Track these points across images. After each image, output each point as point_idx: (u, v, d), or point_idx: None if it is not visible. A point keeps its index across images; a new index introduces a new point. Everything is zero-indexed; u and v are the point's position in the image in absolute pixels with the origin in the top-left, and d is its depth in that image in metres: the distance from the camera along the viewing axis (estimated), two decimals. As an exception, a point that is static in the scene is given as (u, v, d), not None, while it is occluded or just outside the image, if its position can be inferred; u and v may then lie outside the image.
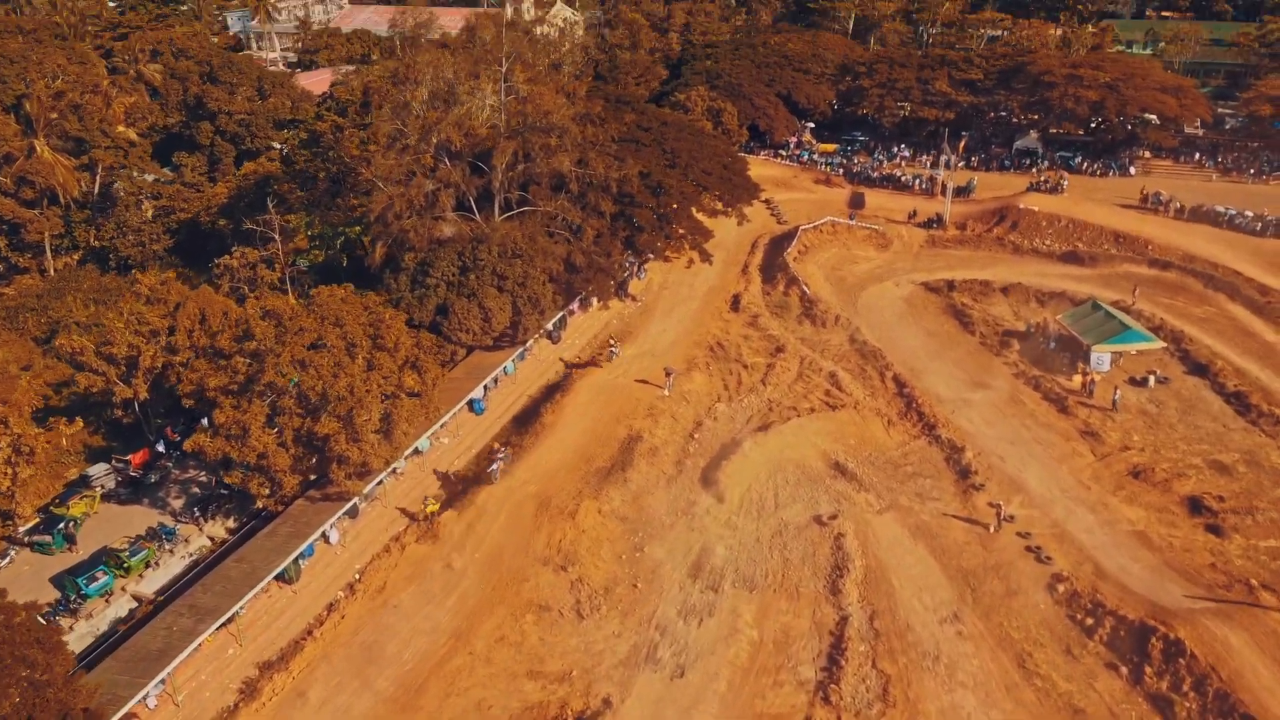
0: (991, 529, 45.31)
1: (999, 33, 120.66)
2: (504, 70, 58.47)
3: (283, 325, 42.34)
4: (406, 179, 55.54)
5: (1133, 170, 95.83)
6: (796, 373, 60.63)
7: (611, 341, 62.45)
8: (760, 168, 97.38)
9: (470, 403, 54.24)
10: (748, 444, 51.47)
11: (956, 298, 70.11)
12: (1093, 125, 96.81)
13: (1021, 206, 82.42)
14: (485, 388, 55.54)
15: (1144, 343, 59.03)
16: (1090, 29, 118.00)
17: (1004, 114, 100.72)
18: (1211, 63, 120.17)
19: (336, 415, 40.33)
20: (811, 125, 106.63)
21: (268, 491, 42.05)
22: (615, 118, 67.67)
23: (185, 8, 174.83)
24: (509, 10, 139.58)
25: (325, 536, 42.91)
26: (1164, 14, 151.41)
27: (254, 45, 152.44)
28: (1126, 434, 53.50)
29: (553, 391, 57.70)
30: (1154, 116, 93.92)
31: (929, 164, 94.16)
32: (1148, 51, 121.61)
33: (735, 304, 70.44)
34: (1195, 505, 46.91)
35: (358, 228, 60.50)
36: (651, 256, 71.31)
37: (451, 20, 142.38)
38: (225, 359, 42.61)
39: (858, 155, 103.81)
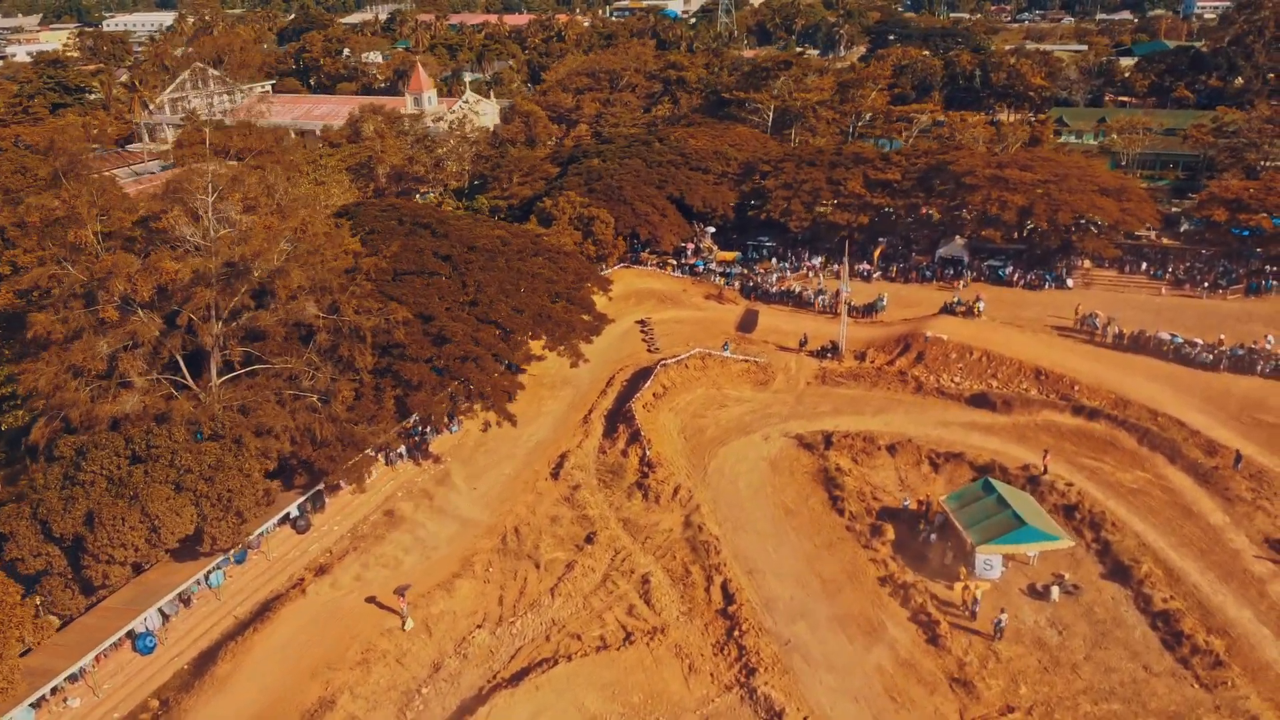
0: None
1: (930, 122, 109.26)
2: (210, 200, 45.60)
3: None
4: (71, 338, 42.43)
5: (1070, 282, 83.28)
6: (601, 576, 46.91)
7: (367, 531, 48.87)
8: (643, 280, 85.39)
9: (133, 638, 40.25)
10: (485, 711, 37.28)
11: (832, 459, 56.53)
12: (1024, 232, 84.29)
13: (929, 335, 69.42)
14: (164, 614, 41.59)
15: (1045, 542, 45.21)
16: (1028, 118, 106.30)
17: (926, 217, 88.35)
18: (1168, 154, 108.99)
19: None
20: (712, 230, 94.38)
21: None
22: (408, 244, 54.99)
23: (94, 96, 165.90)
24: (409, 102, 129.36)
25: None
26: (1121, 99, 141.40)
27: (145, 137, 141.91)
28: (1012, 683, 39.50)
29: (264, 612, 43.69)
30: (1094, 223, 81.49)
31: (833, 275, 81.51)
32: (1097, 142, 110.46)
33: (558, 468, 56.80)
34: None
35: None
36: (472, 405, 58.21)
37: (331, 110, 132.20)
38: None
39: (760, 265, 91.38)
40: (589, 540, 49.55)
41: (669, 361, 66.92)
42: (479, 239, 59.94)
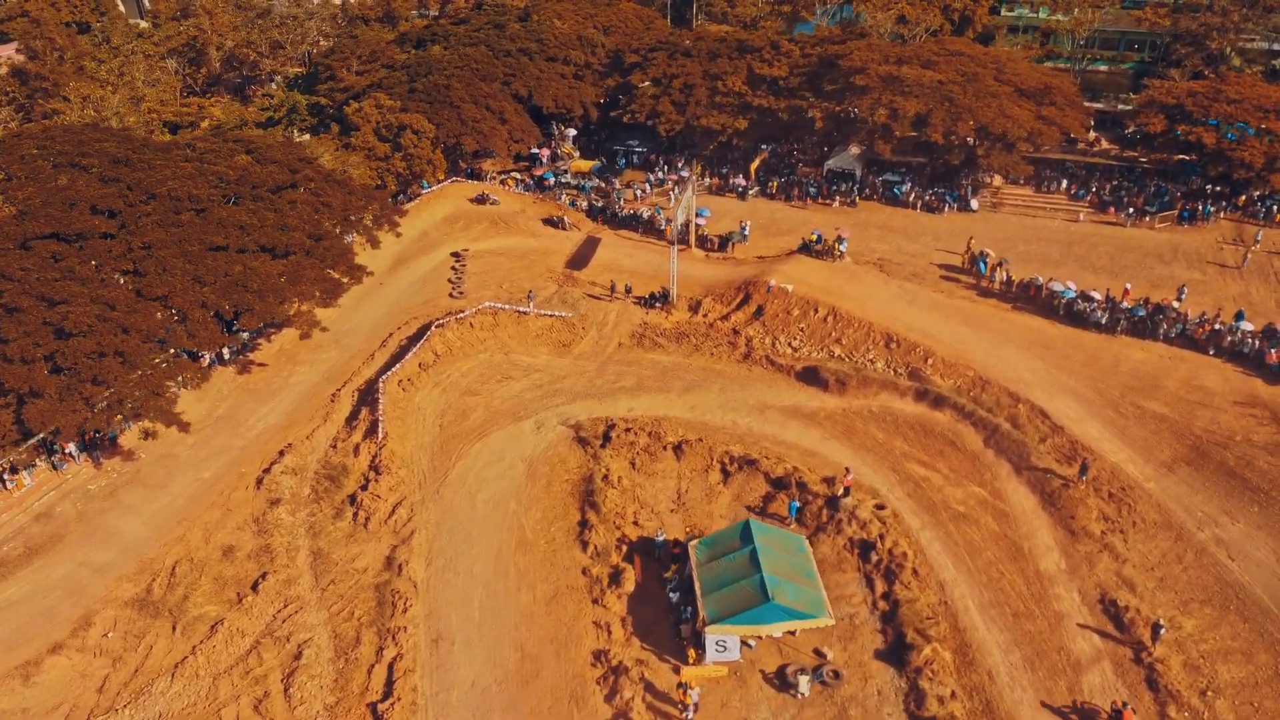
0: None
1: (840, 2, 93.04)
2: None
3: None
4: None
5: (974, 204, 70.34)
6: (251, 643, 37.05)
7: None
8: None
9: None
10: None
11: (603, 462, 45.78)
12: (923, 141, 70.70)
13: (772, 284, 57.35)
14: None
15: (794, 622, 34.74)
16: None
17: (813, 123, 74.50)
18: (1133, 32, 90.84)
19: None
20: (574, 132, 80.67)
21: None
22: (51, 195, 42.54)
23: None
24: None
25: None
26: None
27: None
28: (703, 837, 29.74)
29: None
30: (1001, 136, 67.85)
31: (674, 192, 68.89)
32: (1043, 19, 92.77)
33: (269, 471, 46.17)
34: None
35: None
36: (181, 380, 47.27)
37: None
38: None
39: (621, 177, 78.22)
40: (255, 585, 39.37)
41: (445, 321, 55.19)
42: (170, 181, 47.12)
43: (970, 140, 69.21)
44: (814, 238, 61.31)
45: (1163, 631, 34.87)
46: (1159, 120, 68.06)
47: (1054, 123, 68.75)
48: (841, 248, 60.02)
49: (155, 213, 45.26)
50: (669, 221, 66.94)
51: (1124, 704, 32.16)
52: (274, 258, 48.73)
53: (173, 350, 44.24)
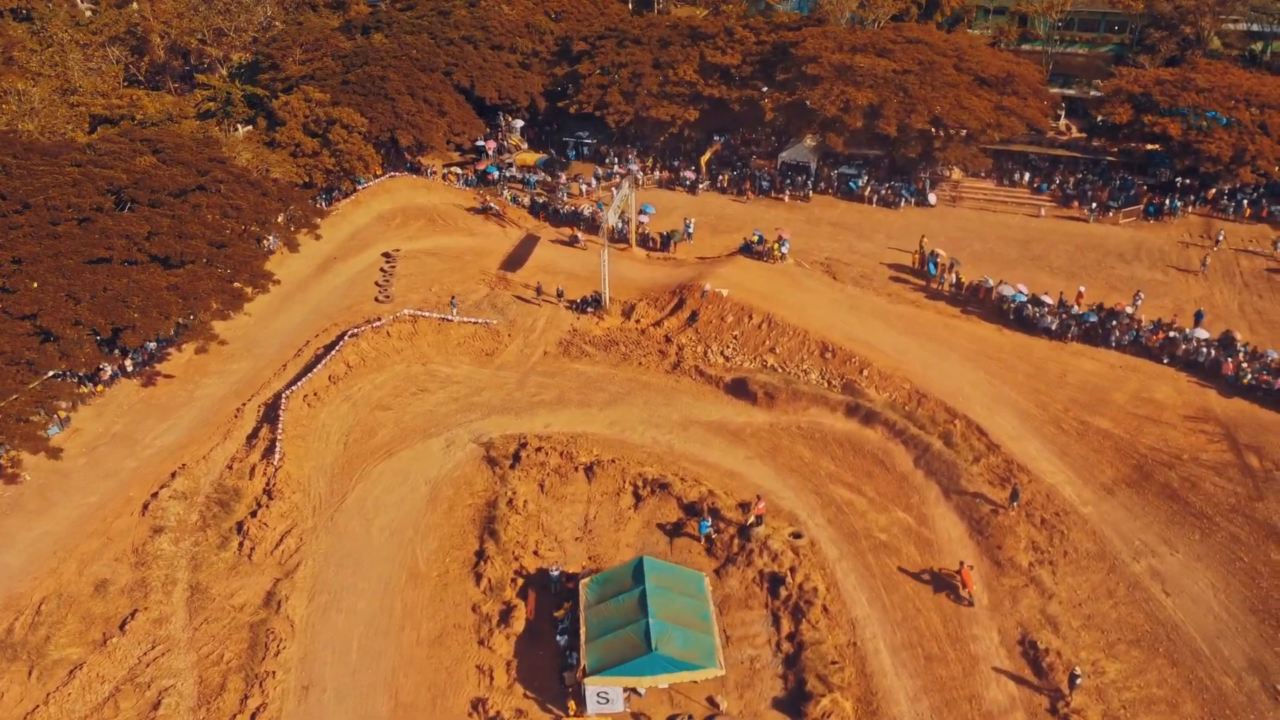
0: None
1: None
2: None
3: None
4: None
5: (932, 198, 67.40)
6: (111, 689, 34.71)
7: None
8: (416, 194, 69.75)
9: None
10: None
11: (510, 485, 43.18)
12: (880, 134, 67.54)
13: (707, 289, 54.53)
14: None
15: (680, 673, 32.17)
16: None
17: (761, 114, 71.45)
18: (1113, 14, 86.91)
19: None
20: (522, 123, 77.66)
21: None
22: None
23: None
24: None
25: None
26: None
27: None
28: None
29: None
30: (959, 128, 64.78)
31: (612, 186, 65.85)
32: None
33: (150, 502, 43.60)
34: None
35: None
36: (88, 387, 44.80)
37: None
38: None
39: (565, 171, 75.28)
40: (124, 625, 36.93)
41: (360, 329, 52.49)
42: (50, 189, 44.29)
43: (932, 130, 66.03)
44: (755, 238, 58.40)
45: (1079, 681, 32.26)
46: (1125, 110, 64.86)
47: (1014, 113, 65.63)
48: (783, 249, 57.09)
49: (28, 224, 42.49)
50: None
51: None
52: (168, 268, 45.95)
53: (52, 372, 41.59)
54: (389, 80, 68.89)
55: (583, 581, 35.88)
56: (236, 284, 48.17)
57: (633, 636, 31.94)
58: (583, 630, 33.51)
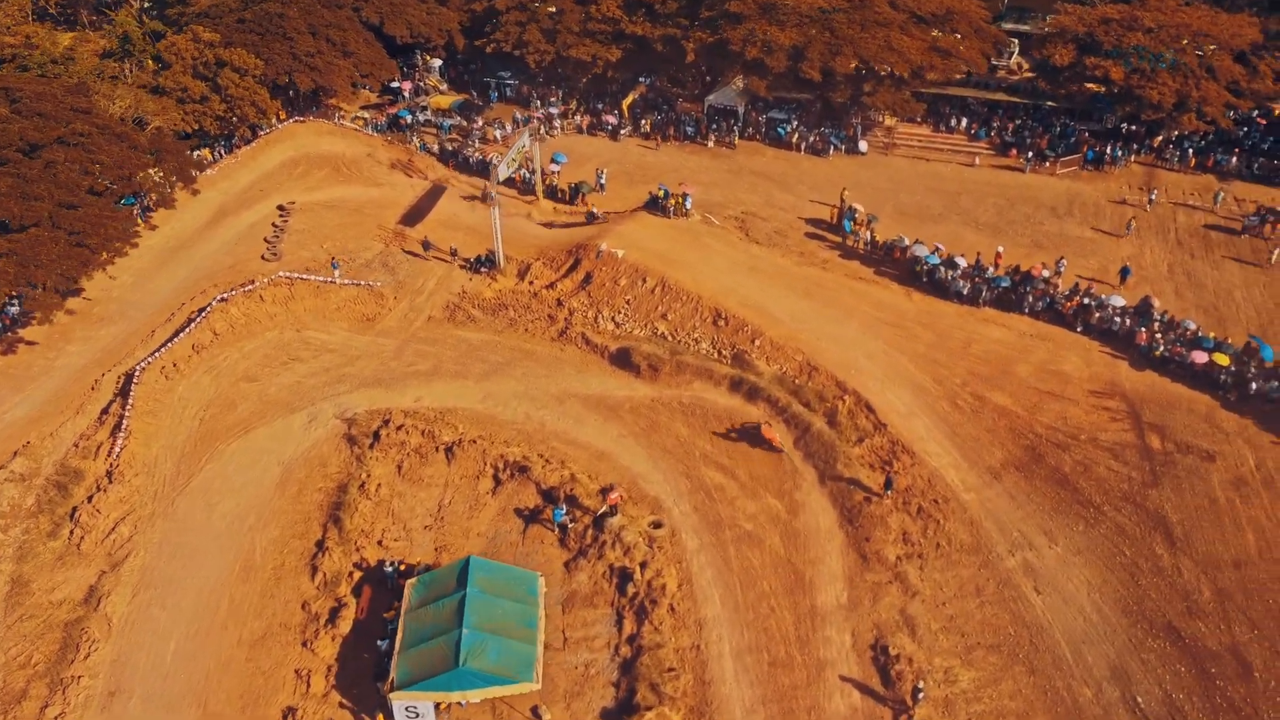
0: None
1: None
2: None
3: None
4: None
5: (863, 146, 63.69)
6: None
7: None
8: (322, 140, 66.13)
9: None
10: None
11: (367, 466, 40.73)
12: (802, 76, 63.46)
13: (602, 249, 51.34)
14: None
15: (495, 688, 30.08)
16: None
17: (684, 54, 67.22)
18: None
19: None
20: (440, 63, 73.47)
21: None
22: None
23: None
24: None
25: None
26: None
27: None
28: None
29: None
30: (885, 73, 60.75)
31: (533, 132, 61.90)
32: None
33: (-9, 477, 41.19)
34: None
35: None
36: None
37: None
38: None
39: (484, 113, 71.42)
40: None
41: (230, 294, 49.52)
42: None
43: (861, 73, 61.94)
44: (661, 192, 54.93)
45: (921, 695, 30.12)
46: (1068, 51, 60.65)
47: (950, 54, 61.42)
48: (687, 204, 53.67)
49: None
50: (521, 168, 60.25)
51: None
52: (6, 233, 42.83)
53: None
54: (287, 18, 64.68)
55: (409, 581, 33.65)
56: (85, 247, 44.97)
57: (444, 648, 29.78)
58: (399, 637, 31.38)
